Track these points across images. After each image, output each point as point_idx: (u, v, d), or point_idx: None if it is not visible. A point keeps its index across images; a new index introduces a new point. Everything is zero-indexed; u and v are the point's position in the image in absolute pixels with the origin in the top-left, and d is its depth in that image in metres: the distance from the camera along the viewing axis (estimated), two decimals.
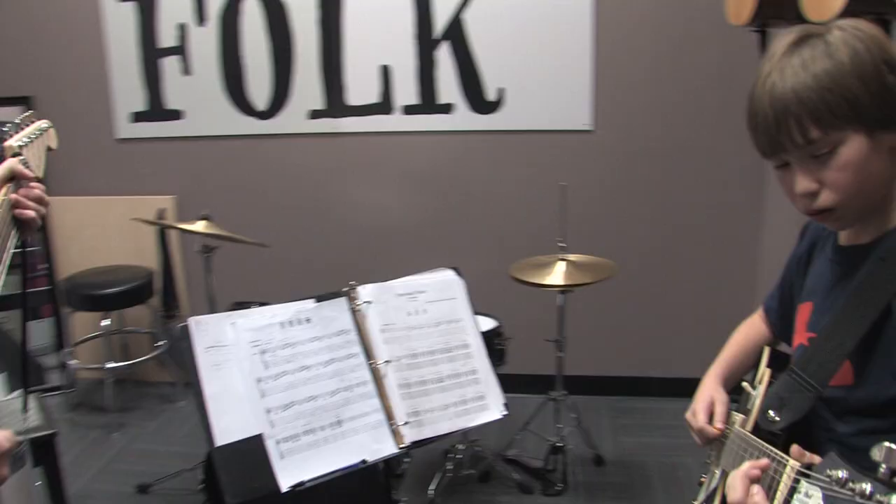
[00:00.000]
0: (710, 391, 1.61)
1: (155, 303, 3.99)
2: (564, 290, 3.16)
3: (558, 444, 3.31)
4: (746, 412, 1.49)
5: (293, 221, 4.05)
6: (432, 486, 3.18)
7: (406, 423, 1.91)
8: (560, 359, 3.32)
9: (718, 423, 1.52)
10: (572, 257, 3.19)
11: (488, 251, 3.85)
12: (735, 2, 2.82)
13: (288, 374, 1.83)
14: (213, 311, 3.07)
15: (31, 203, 1.54)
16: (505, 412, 2.08)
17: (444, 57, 3.71)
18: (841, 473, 0.87)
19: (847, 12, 1.98)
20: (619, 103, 3.75)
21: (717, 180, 3.84)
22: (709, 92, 3.72)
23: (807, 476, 0.96)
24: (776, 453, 1.10)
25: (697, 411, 1.57)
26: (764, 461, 1.09)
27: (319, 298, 1.94)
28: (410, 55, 3.71)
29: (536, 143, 3.82)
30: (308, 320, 1.90)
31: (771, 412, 1.31)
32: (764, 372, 1.50)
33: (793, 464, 1.00)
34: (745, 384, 1.59)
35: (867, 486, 0.83)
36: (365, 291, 2.00)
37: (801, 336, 1.41)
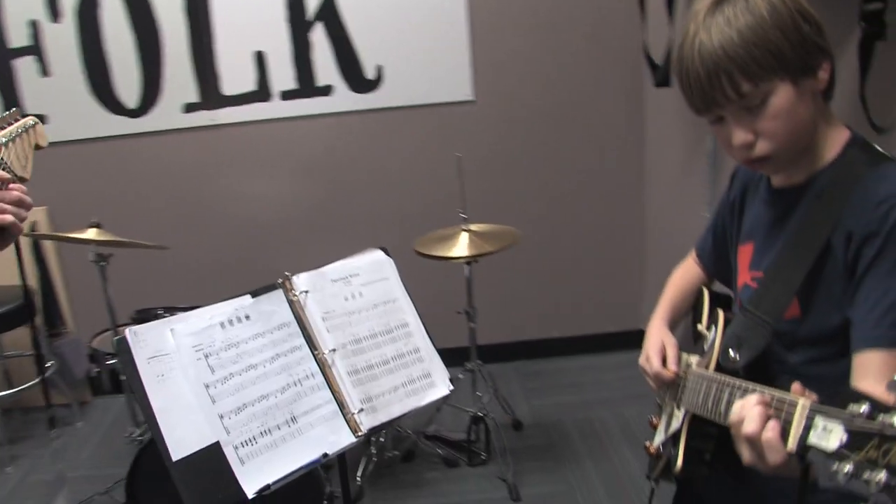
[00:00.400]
0: (659, 336, 1.65)
1: (38, 322, 3.74)
2: (471, 260, 3.16)
3: (479, 414, 3.33)
4: (703, 353, 1.53)
5: (181, 221, 3.88)
6: (359, 473, 3.14)
7: (361, 411, 1.86)
8: (472, 329, 3.33)
9: (672, 366, 1.57)
10: (475, 227, 3.19)
11: (389, 229, 3.80)
12: None
13: (236, 376, 1.74)
14: (113, 322, 2.91)
15: (8, 207, 1.44)
16: (451, 387, 2.07)
17: (319, 38, 3.62)
18: (863, 408, 0.89)
19: None
20: (498, 72, 3.78)
21: (599, 140, 3.95)
22: (586, 56, 3.81)
23: (822, 412, 0.97)
24: (774, 391, 1.12)
25: (651, 356, 1.62)
26: (767, 396, 1.12)
27: (255, 293, 1.86)
28: (284, 39, 3.60)
29: (420, 117, 3.80)
30: (248, 317, 1.82)
31: (731, 351, 1.37)
32: (717, 314, 1.54)
33: (804, 401, 1.02)
34: (699, 327, 1.63)
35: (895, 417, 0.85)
36: (300, 281, 1.93)
37: (744, 275, 1.48)
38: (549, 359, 4.22)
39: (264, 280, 1.88)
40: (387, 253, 2.13)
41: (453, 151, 3.18)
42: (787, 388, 1.10)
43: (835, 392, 0.96)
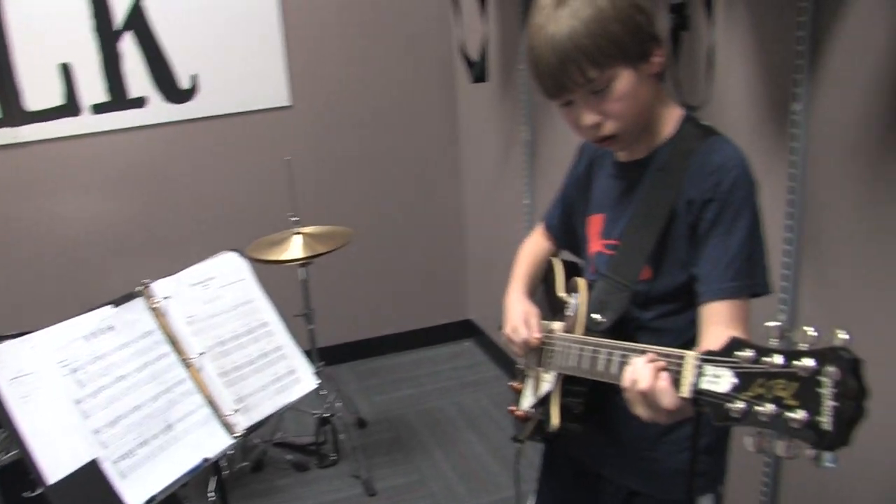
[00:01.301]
0: (521, 305, 1.70)
1: None
2: (305, 262, 3.18)
3: (325, 416, 3.34)
4: (565, 318, 1.63)
5: None
6: (211, 488, 3.07)
7: (236, 411, 1.86)
8: (311, 331, 3.34)
9: (536, 333, 1.63)
10: (307, 229, 3.21)
11: (219, 239, 3.65)
12: None
13: (106, 389, 1.69)
14: None
15: None
16: (317, 381, 2.10)
17: (129, 48, 3.48)
18: (748, 353, 1.02)
19: None
20: (315, 77, 3.81)
21: (417, 139, 4.08)
22: (400, 57, 3.92)
23: (710, 361, 1.09)
24: (660, 349, 1.23)
25: (518, 326, 1.66)
26: (655, 354, 1.23)
27: (116, 303, 1.81)
28: (92, 49, 3.43)
29: (239, 125, 3.76)
30: (111, 328, 1.77)
31: (595, 315, 1.48)
32: (577, 281, 1.64)
33: (692, 353, 1.14)
34: (560, 294, 1.72)
35: (778, 358, 0.97)
36: (160, 287, 1.89)
37: (596, 244, 1.60)
38: (384, 356, 4.29)
39: (94, 300, 1.81)
40: (240, 254, 2.12)
41: (277, 157, 3.18)
42: (646, 343, 1.24)
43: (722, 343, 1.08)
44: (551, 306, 1.73)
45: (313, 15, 3.73)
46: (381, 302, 4.26)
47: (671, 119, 1.47)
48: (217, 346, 1.92)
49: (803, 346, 0.95)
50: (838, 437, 0.89)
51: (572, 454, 1.74)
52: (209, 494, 3.03)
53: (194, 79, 3.61)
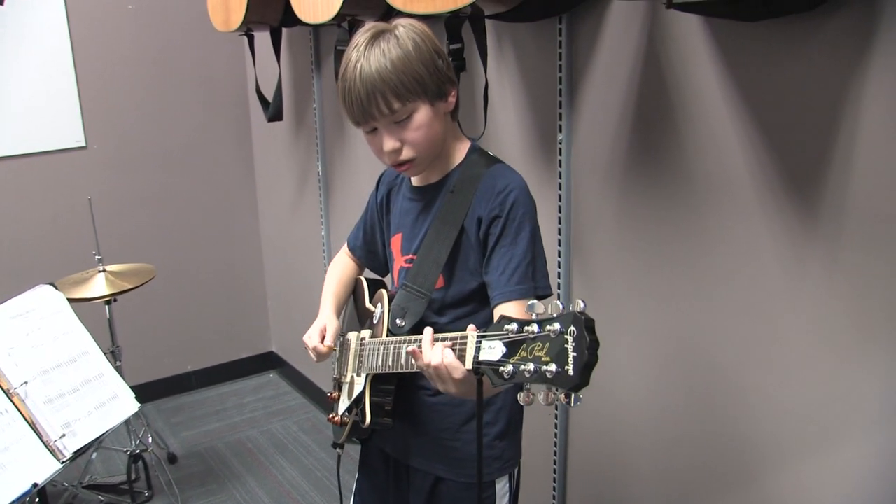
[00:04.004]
0: (323, 320, 1.85)
1: None
2: (109, 300, 3.19)
3: (137, 452, 3.34)
4: (373, 326, 1.81)
5: None
6: None
7: (63, 436, 1.91)
8: (119, 368, 3.33)
9: (329, 342, 1.78)
10: (111, 267, 3.22)
11: (22, 280, 3.61)
12: (221, 11, 3.14)
13: None
14: None
15: None
16: (139, 404, 2.17)
17: None
18: (514, 326, 1.25)
19: (341, 15, 2.44)
20: (110, 117, 3.82)
21: (215, 177, 4.18)
22: (195, 96, 4.02)
23: (486, 336, 1.31)
24: (443, 336, 1.42)
25: (312, 335, 1.80)
26: (441, 336, 1.43)
27: None
28: None
29: (35, 165, 3.70)
30: None
31: (397, 320, 1.67)
32: (380, 293, 1.83)
33: (471, 332, 1.35)
34: (367, 306, 1.90)
35: (535, 326, 1.21)
36: None
37: (399, 261, 1.79)
38: (189, 392, 4.31)
39: None
40: (55, 287, 2.17)
41: (77, 196, 3.17)
42: None
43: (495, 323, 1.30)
44: (360, 318, 1.90)
45: (106, 55, 3.76)
46: (185, 338, 4.28)
47: (461, 149, 1.70)
48: (40, 374, 1.97)
49: (553, 315, 1.18)
50: (581, 380, 1.12)
51: (385, 449, 1.90)
52: None
53: None
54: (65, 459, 1.89)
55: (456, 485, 1.76)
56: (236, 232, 4.31)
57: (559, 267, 2.30)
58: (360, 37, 1.56)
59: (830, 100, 1.57)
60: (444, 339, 1.41)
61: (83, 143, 3.77)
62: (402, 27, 1.56)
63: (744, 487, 1.90)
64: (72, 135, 3.73)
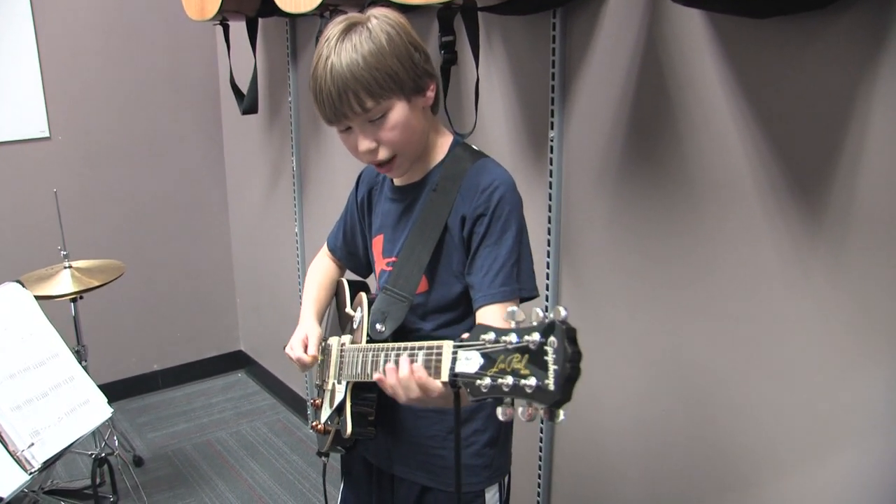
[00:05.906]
0: (304, 328, 1.77)
1: None
2: (75, 297, 3.07)
3: (102, 455, 3.22)
4: (353, 332, 1.73)
5: None
6: None
7: (32, 445, 1.81)
8: (86, 368, 3.20)
9: (312, 351, 1.70)
10: (78, 263, 3.10)
11: None
12: (196, 1, 3.04)
13: None
14: None
15: None
16: (111, 409, 2.08)
17: None
18: (491, 335, 1.14)
19: (324, 4, 2.36)
20: (75, 107, 3.69)
21: (184, 171, 4.06)
22: (165, 87, 3.90)
23: (462, 346, 1.21)
24: (419, 345, 1.33)
25: (294, 346, 1.73)
26: (416, 349, 1.34)
27: None
28: None
29: None
30: None
31: (377, 325, 1.58)
32: (360, 297, 1.74)
33: (447, 343, 1.25)
34: (347, 310, 1.82)
35: (513, 336, 1.10)
36: None
37: (380, 263, 1.71)
38: (155, 392, 4.20)
39: None
40: (22, 285, 2.06)
41: (42, 189, 3.06)
42: None
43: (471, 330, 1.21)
44: (341, 323, 1.82)
45: (72, 45, 3.62)
46: (151, 336, 4.16)
47: (443, 145, 1.61)
48: (7, 378, 1.87)
49: (534, 324, 1.08)
50: (562, 395, 1.02)
51: (369, 458, 1.82)
52: None
53: None
54: (33, 470, 1.78)
55: (443, 494, 1.69)
56: (205, 228, 4.19)
57: (548, 268, 2.23)
58: (332, 29, 1.47)
59: (839, 100, 1.52)
60: (419, 349, 1.32)
61: (47, 134, 3.63)
62: (376, 18, 1.46)
63: (739, 495, 1.86)
64: (35, 125, 3.59)
